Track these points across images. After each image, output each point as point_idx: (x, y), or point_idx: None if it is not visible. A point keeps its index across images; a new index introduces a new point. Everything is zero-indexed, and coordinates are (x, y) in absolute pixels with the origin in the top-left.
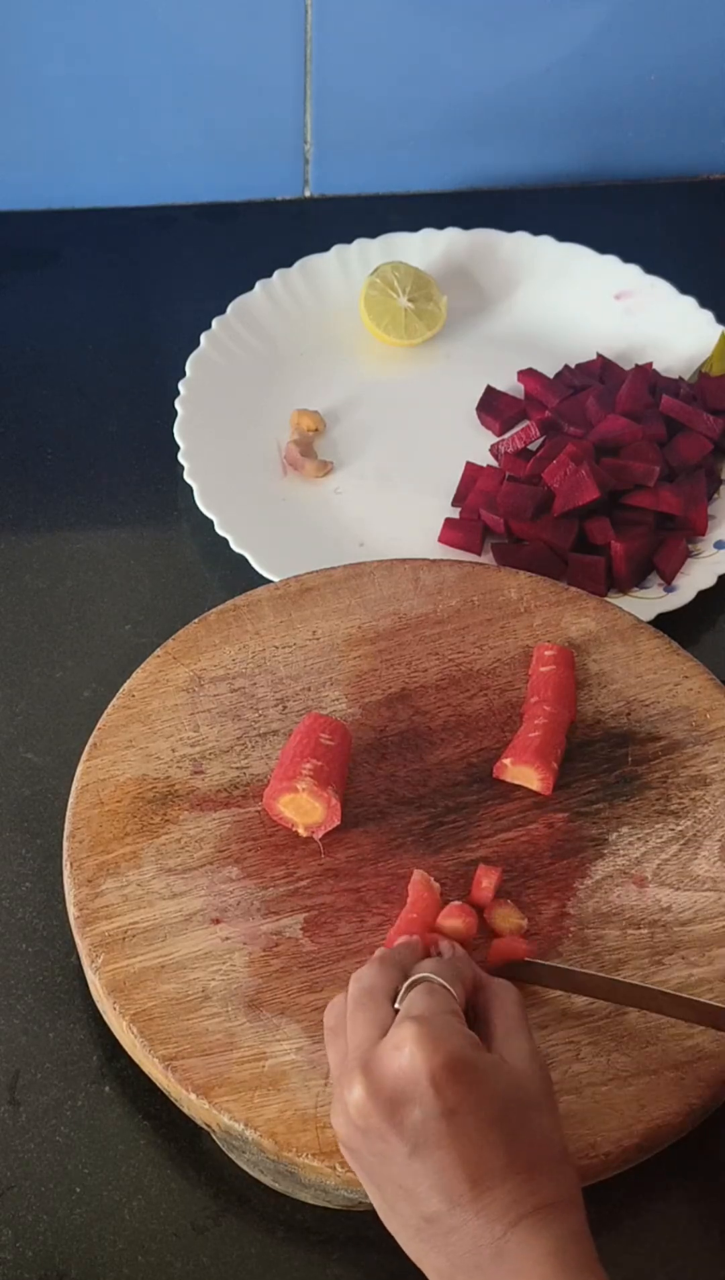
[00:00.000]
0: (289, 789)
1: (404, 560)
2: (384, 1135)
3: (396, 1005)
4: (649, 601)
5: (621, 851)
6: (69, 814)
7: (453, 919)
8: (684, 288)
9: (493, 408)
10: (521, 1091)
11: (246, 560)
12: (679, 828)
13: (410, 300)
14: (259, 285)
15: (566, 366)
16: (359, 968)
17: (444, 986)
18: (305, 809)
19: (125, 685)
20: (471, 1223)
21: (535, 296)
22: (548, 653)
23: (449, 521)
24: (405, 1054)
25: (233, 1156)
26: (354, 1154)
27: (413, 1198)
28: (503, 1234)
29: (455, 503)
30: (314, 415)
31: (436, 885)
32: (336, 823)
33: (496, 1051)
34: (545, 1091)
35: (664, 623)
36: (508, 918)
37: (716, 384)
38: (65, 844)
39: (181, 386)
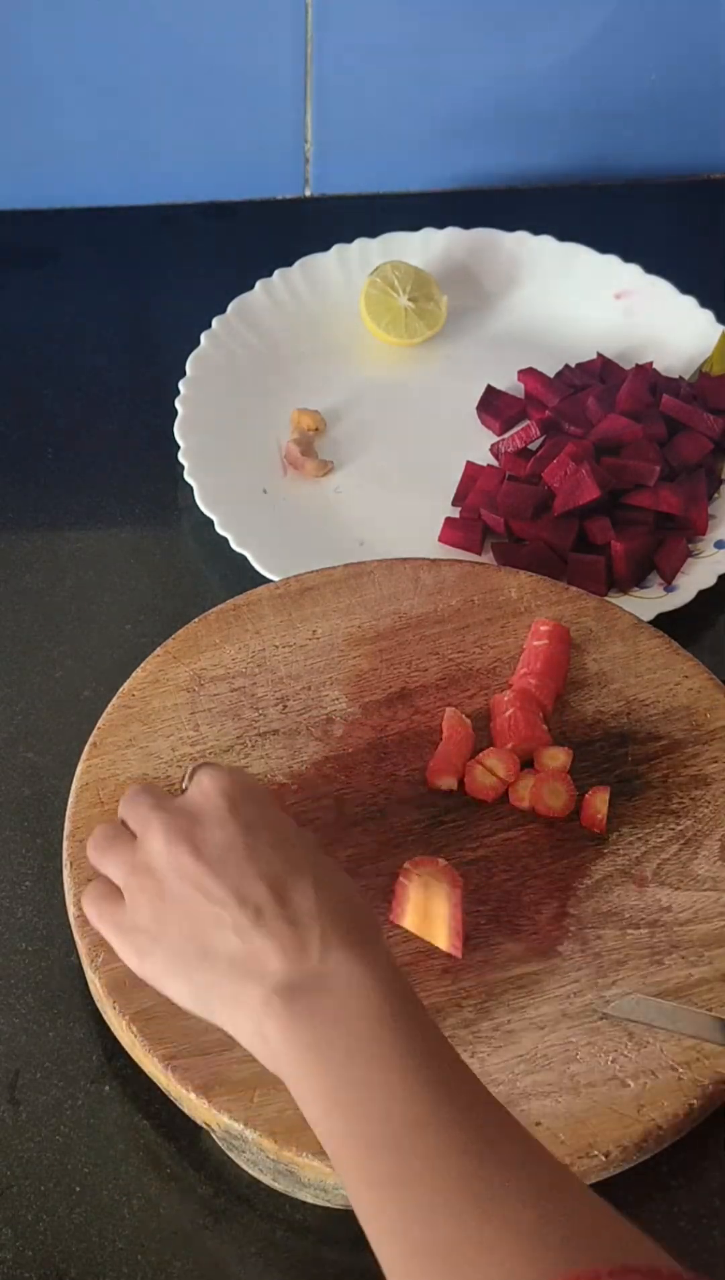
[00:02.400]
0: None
1: (404, 560)
2: (193, 856)
3: (183, 785)
4: (649, 601)
5: (621, 851)
6: (69, 813)
7: (492, 757)
8: (684, 287)
9: (493, 407)
10: (307, 841)
11: (246, 559)
12: (679, 827)
13: (410, 300)
14: (259, 284)
15: (567, 366)
16: None
17: (223, 767)
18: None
19: (125, 685)
20: (284, 936)
21: (535, 296)
22: (543, 628)
23: (449, 521)
24: (203, 780)
25: (232, 1156)
26: (151, 909)
27: (217, 927)
28: (321, 950)
29: (455, 502)
30: (314, 414)
31: (468, 720)
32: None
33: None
34: (353, 886)
35: (664, 622)
36: (555, 756)
37: (717, 383)
38: (65, 843)
39: (181, 386)
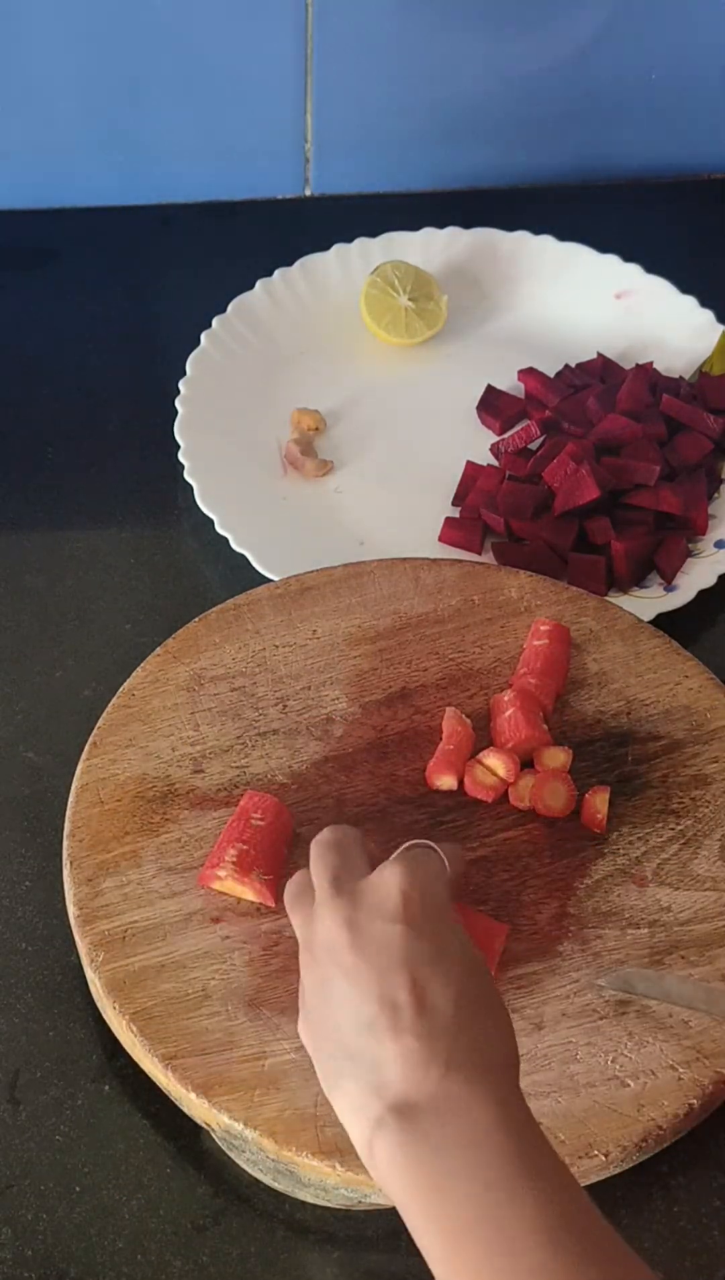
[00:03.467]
0: (213, 876)
1: (404, 559)
2: (353, 943)
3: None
4: (649, 601)
5: (621, 851)
6: (69, 813)
7: (492, 756)
8: (684, 287)
9: (493, 407)
10: (480, 967)
11: (247, 559)
12: (679, 827)
13: (411, 299)
14: (259, 284)
15: (567, 366)
16: None
17: (437, 851)
18: (237, 890)
19: (125, 684)
20: (412, 1049)
21: (536, 295)
22: (543, 627)
23: (449, 521)
24: (386, 872)
25: (232, 1155)
26: (306, 968)
27: (354, 1011)
28: (442, 1074)
29: (455, 502)
30: (314, 414)
31: (467, 720)
32: (271, 902)
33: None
34: (497, 998)
35: (664, 622)
36: (555, 756)
37: (717, 383)
38: (65, 843)
39: (182, 385)
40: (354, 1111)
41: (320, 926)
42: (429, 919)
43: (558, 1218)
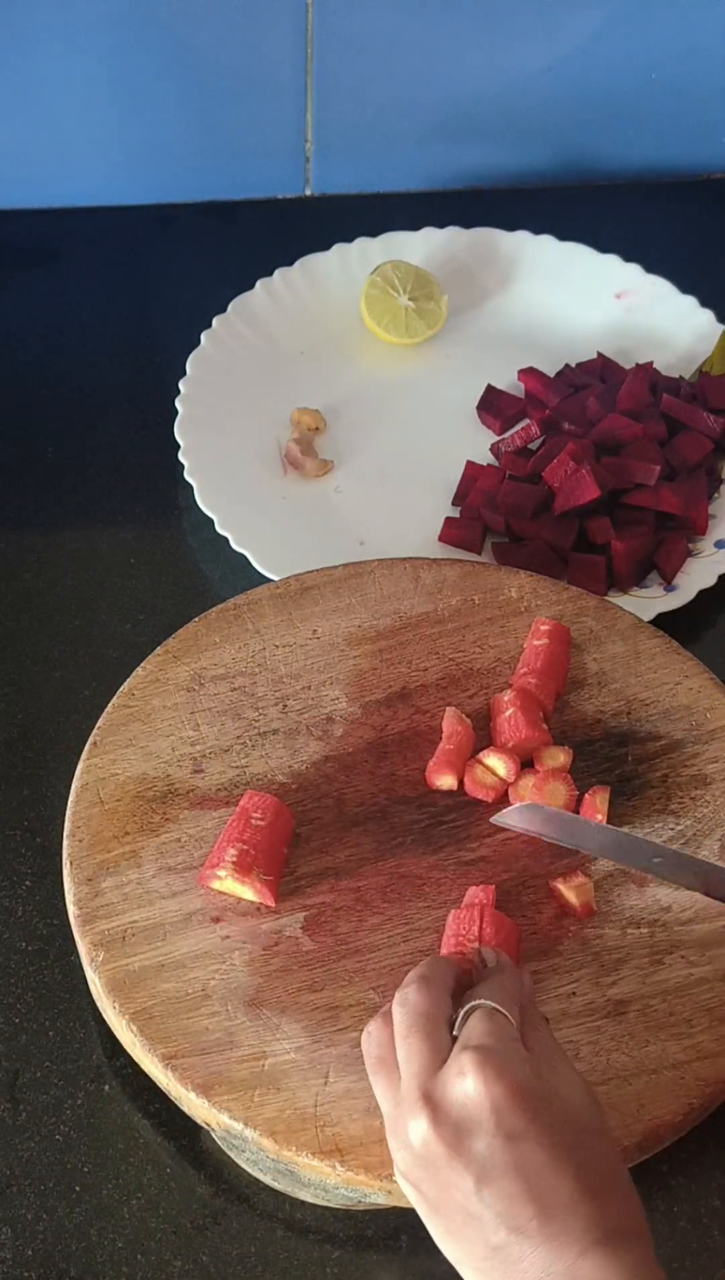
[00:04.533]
0: (213, 876)
1: (404, 559)
2: (449, 1165)
3: (454, 1033)
4: (649, 601)
5: None
6: (69, 813)
7: (492, 756)
8: (684, 287)
9: (493, 406)
10: (581, 1118)
11: (247, 559)
12: (679, 827)
13: (411, 299)
14: (259, 284)
15: (567, 365)
16: (359, 965)
17: (502, 1013)
18: (237, 890)
19: (125, 684)
20: (541, 1250)
21: (536, 295)
22: (543, 627)
23: (449, 520)
24: (468, 1082)
25: (232, 1155)
26: (414, 1184)
27: (479, 1226)
28: (574, 1261)
29: (456, 501)
30: (314, 414)
31: (467, 719)
32: (271, 902)
33: (546, 1080)
34: (600, 1117)
35: (664, 622)
36: (555, 756)
37: (717, 383)
38: (65, 843)
39: (182, 385)
40: None
41: (414, 1135)
42: (522, 1112)
43: None
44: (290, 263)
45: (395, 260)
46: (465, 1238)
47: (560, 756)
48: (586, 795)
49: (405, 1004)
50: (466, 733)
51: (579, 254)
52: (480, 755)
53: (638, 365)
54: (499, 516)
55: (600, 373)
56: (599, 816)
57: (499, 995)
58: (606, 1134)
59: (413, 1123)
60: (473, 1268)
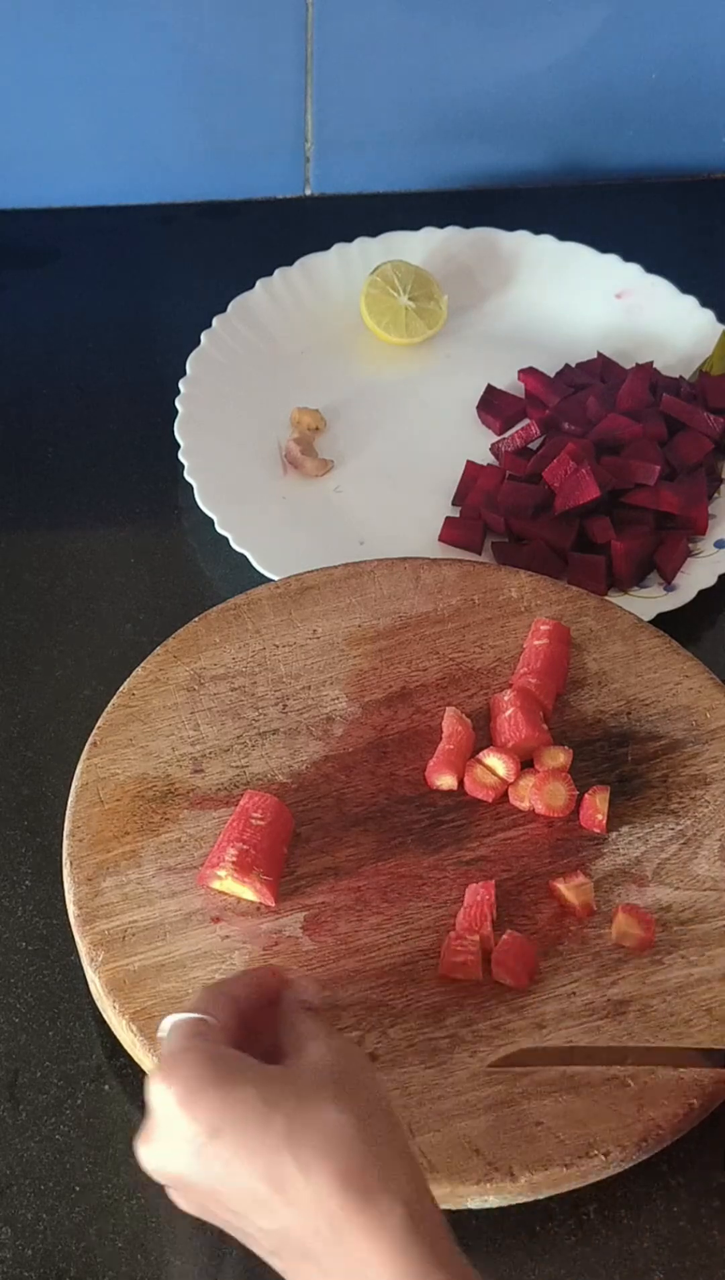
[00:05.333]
0: (213, 876)
1: (404, 559)
2: (185, 1180)
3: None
4: (649, 600)
5: (621, 851)
6: (69, 812)
7: (492, 756)
8: (684, 287)
9: (493, 406)
10: (304, 1096)
11: (247, 559)
12: (679, 827)
13: (411, 299)
14: (260, 284)
15: (567, 365)
16: (359, 965)
17: (194, 1018)
18: (237, 890)
19: (125, 684)
20: (301, 1220)
21: (536, 295)
22: (543, 627)
23: (449, 520)
24: (153, 1097)
25: None
26: (202, 1211)
27: (254, 1242)
28: (329, 1230)
29: (456, 501)
30: (314, 413)
31: (467, 719)
32: (271, 902)
33: (291, 1064)
34: (336, 1091)
35: (664, 622)
36: (555, 756)
37: (717, 383)
38: (65, 842)
39: (182, 385)
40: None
41: (155, 1175)
42: (212, 1106)
43: None
44: (290, 263)
45: (395, 260)
46: (253, 1236)
47: (560, 756)
48: (586, 795)
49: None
50: (466, 732)
51: (579, 254)
52: (480, 755)
53: (638, 365)
54: (499, 516)
55: (600, 373)
56: (599, 817)
57: (197, 1001)
58: (351, 1100)
59: (149, 1162)
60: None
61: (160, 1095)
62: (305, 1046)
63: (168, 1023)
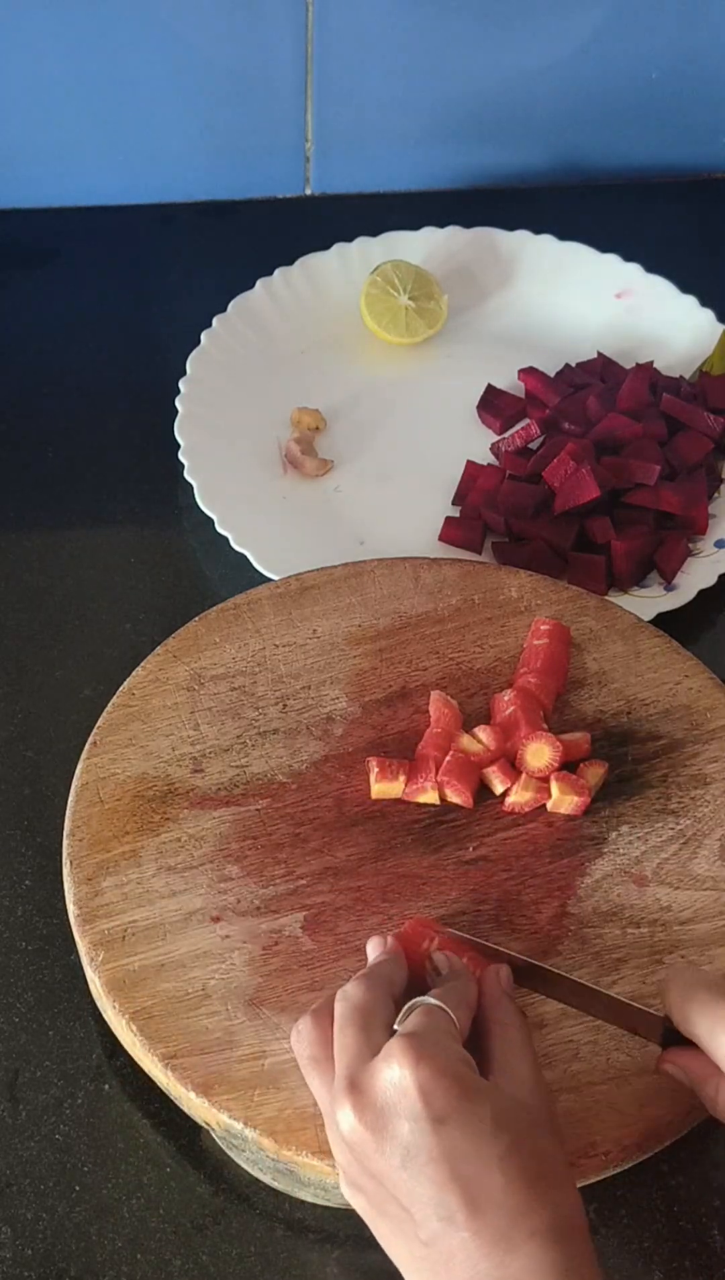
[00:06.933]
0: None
1: (404, 559)
2: (378, 1151)
3: (395, 1027)
4: (649, 600)
5: (621, 850)
6: (69, 812)
7: (478, 735)
8: (685, 287)
9: (493, 406)
10: (518, 1115)
11: (247, 558)
12: (679, 827)
13: (411, 298)
14: (260, 283)
15: (567, 365)
16: (359, 965)
17: (442, 1009)
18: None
19: (125, 683)
20: (470, 1245)
21: (536, 295)
22: (543, 627)
23: (449, 520)
24: (393, 1066)
25: (232, 1155)
26: (353, 1184)
27: (412, 1221)
28: (502, 1259)
29: (456, 501)
30: (314, 413)
31: (454, 702)
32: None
33: (494, 1078)
34: (545, 1117)
35: (664, 622)
36: (540, 753)
37: (717, 383)
38: (65, 842)
39: (182, 385)
40: None
41: (343, 1124)
42: (451, 1099)
43: None
44: (290, 262)
45: (395, 260)
46: (403, 1234)
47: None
48: (580, 766)
49: (345, 999)
50: (453, 715)
51: (579, 254)
52: (468, 730)
53: (638, 365)
54: (499, 516)
55: (600, 372)
56: (584, 784)
57: (444, 994)
58: (549, 1133)
59: (341, 1112)
60: (411, 1268)
61: (400, 1072)
62: (513, 1064)
63: (415, 1004)
